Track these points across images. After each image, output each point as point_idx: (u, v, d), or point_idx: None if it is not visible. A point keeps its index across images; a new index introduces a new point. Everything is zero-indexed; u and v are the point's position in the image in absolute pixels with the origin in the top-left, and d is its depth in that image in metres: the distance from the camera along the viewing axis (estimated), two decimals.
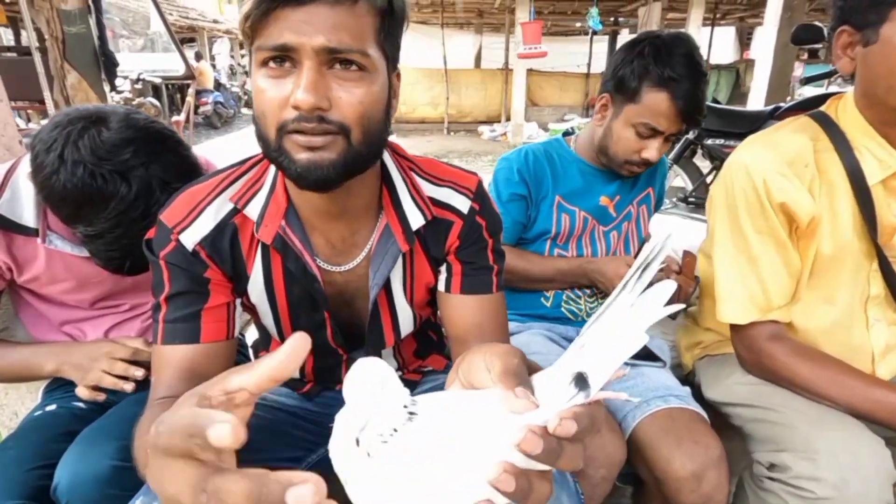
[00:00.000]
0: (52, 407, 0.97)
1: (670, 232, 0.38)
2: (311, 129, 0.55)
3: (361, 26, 0.55)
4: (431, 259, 0.76)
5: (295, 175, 0.58)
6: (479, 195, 0.75)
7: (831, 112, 0.89)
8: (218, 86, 10.99)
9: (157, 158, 0.78)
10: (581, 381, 0.36)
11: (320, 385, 0.90)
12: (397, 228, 0.71)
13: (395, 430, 0.37)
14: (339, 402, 1.00)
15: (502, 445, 0.36)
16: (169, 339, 0.65)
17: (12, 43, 7.20)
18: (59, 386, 1.04)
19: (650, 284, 0.38)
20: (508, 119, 9.71)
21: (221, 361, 0.68)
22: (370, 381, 0.39)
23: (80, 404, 0.98)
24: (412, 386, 0.94)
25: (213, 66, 12.15)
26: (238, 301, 0.72)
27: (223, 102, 10.72)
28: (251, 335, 1.13)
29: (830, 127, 0.87)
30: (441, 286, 0.77)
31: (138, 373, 0.91)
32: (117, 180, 0.75)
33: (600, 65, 12.35)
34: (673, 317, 1.29)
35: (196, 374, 0.65)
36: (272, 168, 0.69)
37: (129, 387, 0.90)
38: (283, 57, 0.54)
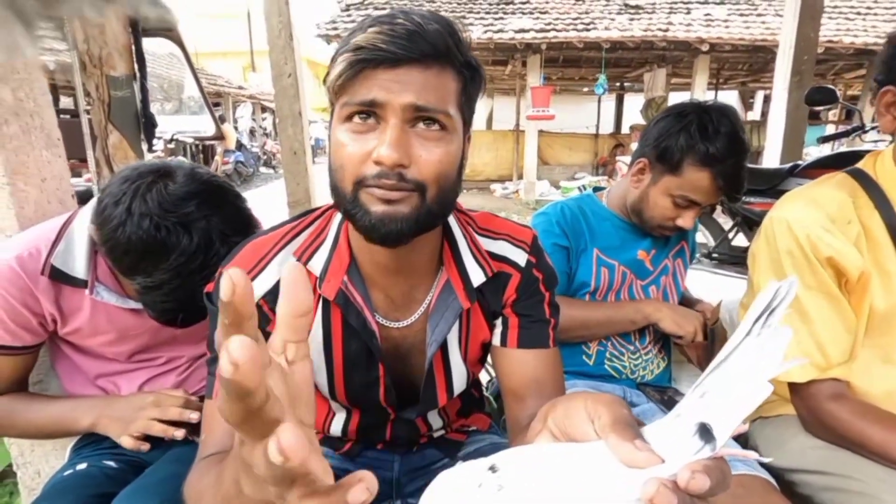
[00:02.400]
0: (83, 466, 0.93)
1: (794, 278, 0.36)
2: (389, 185, 0.56)
3: (446, 88, 0.57)
4: (488, 314, 0.75)
5: (368, 227, 0.58)
6: (535, 248, 0.75)
7: (869, 168, 0.89)
8: (239, 146, 11.46)
9: (218, 211, 0.80)
10: (706, 432, 0.34)
11: (362, 444, 0.87)
12: (458, 284, 0.70)
13: (501, 487, 0.34)
14: (382, 462, 0.95)
15: (627, 502, 0.33)
16: None
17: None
18: (88, 443, 1.01)
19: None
20: (520, 177, 9.92)
21: None
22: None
23: (112, 463, 0.95)
24: (457, 447, 0.90)
25: (236, 128, 12.71)
26: None
27: (244, 162, 11.15)
28: None
29: (869, 184, 0.86)
30: (496, 340, 0.76)
31: (193, 415, 0.91)
32: (180, 232, 0.76)
33: (608, 125, 12.77)
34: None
35: None
36: (335, 222, 0.70)
37: (179, 434, 0.89)
38: (369, 112, 0.56)
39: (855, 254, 0.83)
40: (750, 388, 0.34)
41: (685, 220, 1.09)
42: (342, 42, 0.57)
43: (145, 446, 0.90)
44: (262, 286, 0.65)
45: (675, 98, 10.54)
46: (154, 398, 0.92)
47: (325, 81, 0.58)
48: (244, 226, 0.83)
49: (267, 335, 0.67)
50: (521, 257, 0.74)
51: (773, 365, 0.34)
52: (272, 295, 0.65)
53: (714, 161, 1.02)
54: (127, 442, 0.90)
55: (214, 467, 0.55)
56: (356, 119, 0.56)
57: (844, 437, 0.85)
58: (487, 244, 0.74)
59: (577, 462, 0.36)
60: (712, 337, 1.16)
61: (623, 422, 0.36)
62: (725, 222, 3.21)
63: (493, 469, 0.36)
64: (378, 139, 0.55)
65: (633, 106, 12.84)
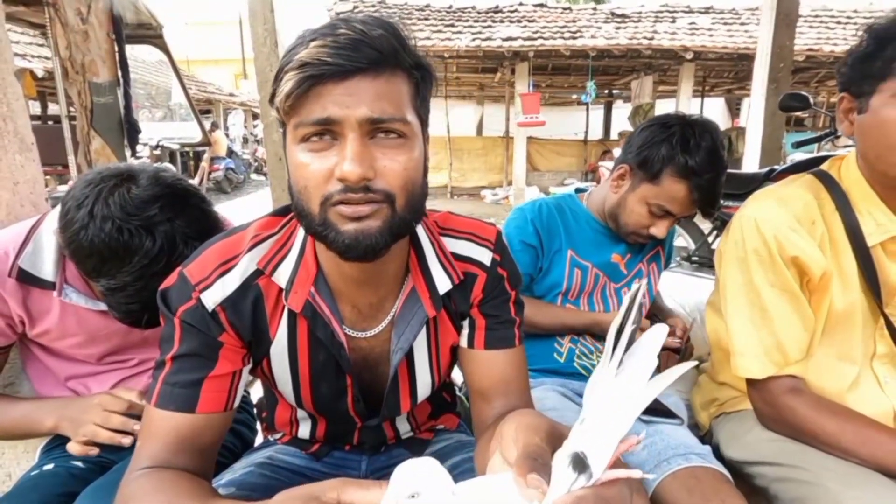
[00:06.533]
0: (50, 466, 0.94)
1: (640, 284, 0.38)
2: (357, 199, 0.54)
3: (400, 94, 0.56)
4: (455, 317, 0.75)
5: (342, 247, 0.56)
6: (499, 246, 0.75)
7: (833, 171, 0.91)
8: (230, 153, 11.44)
9: (182, 213, 0.81)
10: (579, 462, 0.34)
11: (329, 446, 0.88)
12: (424, 293, 0.70)
13: None
14: (349, 462, 0.96)
15: None
16: (163, 403, 0.62)
17: (38, 113, 7.66)
18: (58, 445, 1.01)
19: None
20: (510, 184, 9.97)
21: (214, 433, 0.65)
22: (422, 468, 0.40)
23: (79, 463, 0.95)
24: (424, 445, 0.91)
25: (227, 135, 12.69)
26: (246, 370, 0.70)
27: (234, 168, 11.11)
28: (256, 391, 1.11)
29: (833, 186, 0.89)
30: (463, 342, 0.76)
31: (137, 426, 0.87)
32: (143, 235, 0.77)
33: (597, 132, 12.89)
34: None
35: (185, 446, 0.62)
36: (300, 231, 0.68)
37: (126, 441, 0.86)
38: (325, 131, 0.54)
39: (819, 254, 0.85)
40: (622, 407, 0.34)
41: (658, 229, 1.11)
42: (284, 58, 0.55)
43: (93, 451, 0.87)
44: (220, 292, 0.64)
45: (662, 105, 10.68)
46: (100, 400, 0.89)
47: (271, 100, 0.56)
48: (209, 228, 0.83)
49: (216, 345, 0.65)
50: (485, 256, 0.73)
51: (643, 371, 0.35)
52: (230, 302, 0.64)
53: (692, 174, 1.04)
54: (74, 448, 0.87)
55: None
56: (313, 138, 0.55)
57: (800, 429, 0.87)
58: (451, 244, 0.74)
59: (500, 495, 0.38)
60: (682, 355, 1.19)
61: (527, 455, 0.38)
62: (705, 226, 3.26)
63: (413, 496, 0.37)
64: (339, 155, 0.54)
65: (622, 113, 12.97)
